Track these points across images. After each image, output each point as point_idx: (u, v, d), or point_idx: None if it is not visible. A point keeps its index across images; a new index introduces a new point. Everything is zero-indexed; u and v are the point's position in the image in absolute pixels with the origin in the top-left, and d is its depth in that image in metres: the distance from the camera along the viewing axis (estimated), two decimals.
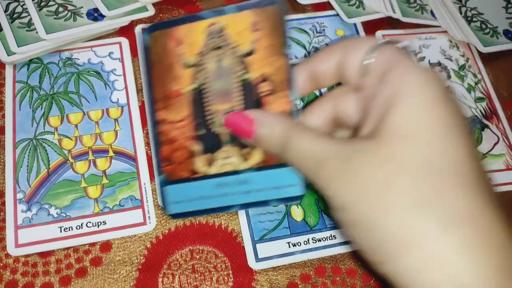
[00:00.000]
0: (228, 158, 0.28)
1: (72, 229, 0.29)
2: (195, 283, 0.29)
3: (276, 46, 0.28)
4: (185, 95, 0.29)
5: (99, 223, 0.30)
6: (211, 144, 0.28)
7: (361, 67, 0.24)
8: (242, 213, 0.31)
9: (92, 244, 0.29)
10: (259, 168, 0.28)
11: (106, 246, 0.29)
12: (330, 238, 0.31)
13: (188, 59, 0.29)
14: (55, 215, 0.30)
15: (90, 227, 0.30)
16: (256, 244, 0.30)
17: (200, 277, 0.29)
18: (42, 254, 0.29)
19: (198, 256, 0.30)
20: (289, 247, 0.31)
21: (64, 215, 0.30)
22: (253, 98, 0.28)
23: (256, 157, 0.28)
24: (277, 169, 0.28)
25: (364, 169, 0.20)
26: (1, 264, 0.28)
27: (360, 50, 0.24)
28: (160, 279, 0.29)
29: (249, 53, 0.28)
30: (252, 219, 0.31)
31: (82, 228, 0.29)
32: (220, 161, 0.28)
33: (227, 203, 0.28)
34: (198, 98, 0.29)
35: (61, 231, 0.29)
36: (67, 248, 0.29)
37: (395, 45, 0.24)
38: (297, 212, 0.32)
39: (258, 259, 0.30)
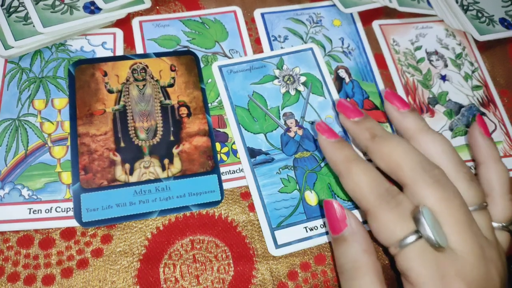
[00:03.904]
0: (148, 167, 0.31)
1: (41, 212, 0.30)
2: (196, 273, 0.29)
3: (192, 82, 0.35)
4: (108, 113, 0.32)
5: (68, 209, 0.30)
6: (131, 155, 0.31)
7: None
8: (257, 202, 0.31)
9: (93, 235, 0.30)
10: (180, 176, 0.31)
11: (106, 237, 0.30)
12: None
13: (112, 87, 0.34)
14: (26, 196, 0.30)
15: (59, 212, 0.30)
16: (274, 231, 0.31)
17: (201, 266, 0.29)
18: (19, 239, 0.29)
19: (198, 246, 0.30)
20: (307, 231, 0.31)
21: (35, 197, 0.30)
22: (175, 118, 0.33)
23: (176, 167, 0.31)
24: (197, 177, 0.31)
25: None
26: None
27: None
28: (161, 269, 0.29)
29: (170, 85, 0.34)
30: (268, 207, 0.31)
31: (51, 212, 0.30)
32: (141, 170, 0.31)
33: (146, 210, 0.30)
34: (121, 116, 0.33)
35: (30, 213, 0.29)
36: (36, 231, 0.29)
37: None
38: (311, 197, 0.32)
39: (277, 246, 0.30)
